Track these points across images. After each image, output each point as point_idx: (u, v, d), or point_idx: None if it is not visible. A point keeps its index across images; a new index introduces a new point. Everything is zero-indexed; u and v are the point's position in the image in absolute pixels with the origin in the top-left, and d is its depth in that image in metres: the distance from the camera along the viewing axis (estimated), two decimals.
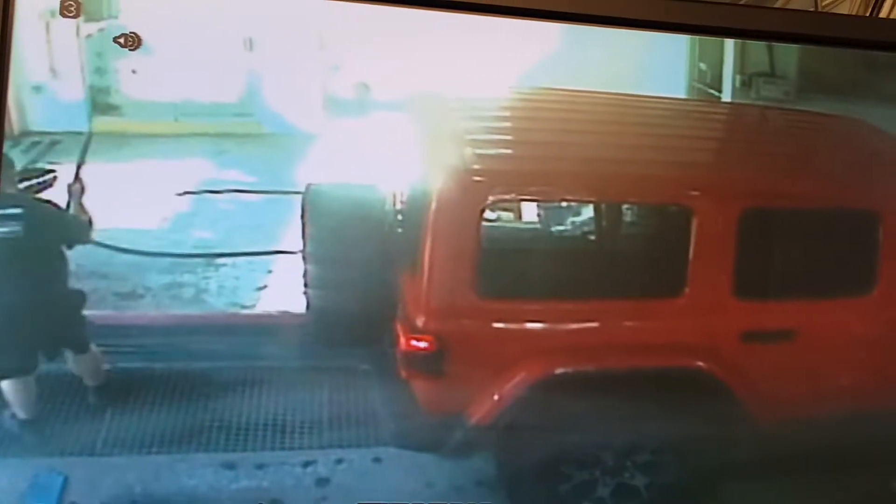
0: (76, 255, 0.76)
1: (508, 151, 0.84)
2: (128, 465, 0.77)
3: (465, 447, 0.82)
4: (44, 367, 0.76)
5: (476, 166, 0.81)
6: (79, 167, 0.75)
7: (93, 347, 0.77)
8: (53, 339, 0.77)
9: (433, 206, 0.79)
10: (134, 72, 0.76)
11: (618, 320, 0.83)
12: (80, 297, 0.76)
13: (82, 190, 0.74)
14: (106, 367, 0.77)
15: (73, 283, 0.76)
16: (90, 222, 0.74)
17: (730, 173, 0.86)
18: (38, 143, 0.75)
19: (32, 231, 0.74)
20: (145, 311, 0.78)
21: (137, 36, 0.75)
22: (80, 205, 0.74)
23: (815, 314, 0.87)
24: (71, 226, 0.75)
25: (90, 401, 0.77)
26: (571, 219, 0.84)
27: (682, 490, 0.85)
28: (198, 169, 0.78)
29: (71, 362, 0.77)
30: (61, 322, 0.77)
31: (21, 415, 0.75)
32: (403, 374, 0.81)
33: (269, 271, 0.80)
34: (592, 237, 0.85)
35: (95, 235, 0.75)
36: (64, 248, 0.75)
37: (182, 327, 0.79)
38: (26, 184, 0.74)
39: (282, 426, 0.79)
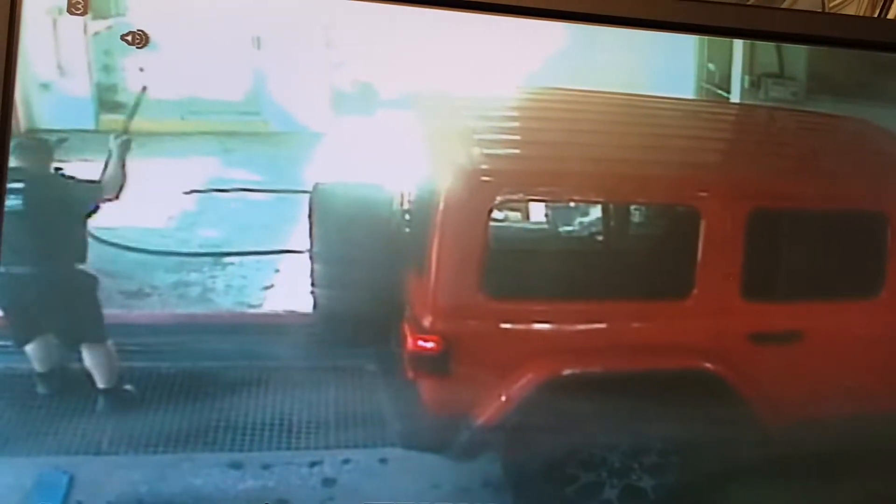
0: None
1: (516, 151, 0.84)
2: (133, 464, 0.76)
3: (471, 448, 0.82)
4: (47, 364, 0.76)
5: (484, 166, 0.81)
6: (129, 120, 0.75)
7: (109, 344, 0.76)
8: (56, 321, 0.77)
9: (441, 205, 0.79)
10: (141, 70, 0.75)
11: (625, 321, 0.83)
12: (89, 280, 0.75)
13: (128, 145, 0.74)
14: (118, 375, 0.77)
15: (84, 267, 0.75)
16: (123, 180, 0.74)
17: (738, 174, 0.86)
18: (44, 139, 0.75)
19: (34, 204, 0.74)
20: (152, 309, 0.77)
21: (145, 34, 0.75)
22: (122, 161, 0.74)
23: (824, 316, 0.87)
24: (80, 192, 0.74)
25: (99, 406, 0.76)
26: (579, 219, 0.84)
27: (690, 492, 0.85)
28: (205, 167, 0.77)
29: (85, 356, 0.76)
30: (65, 302, 0.77)
31: (38, 368, 0.75)
32: (410, 374, 0.80)
33: (277, 270, 0.79)
34: (600, 238, 0.84)
35: (121, 194, 0.75)
36: (78, 225, 0.74)
37: (188, 326, 0.79)
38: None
39: (288, 426, 0.79)
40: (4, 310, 0.75)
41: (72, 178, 0.75)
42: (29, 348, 0.75)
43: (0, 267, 0.74)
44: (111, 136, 0.75)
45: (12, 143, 0.73)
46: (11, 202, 0.73)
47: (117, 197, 0.75)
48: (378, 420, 0.80)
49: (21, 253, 0.75)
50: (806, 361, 0.86)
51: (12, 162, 0.73)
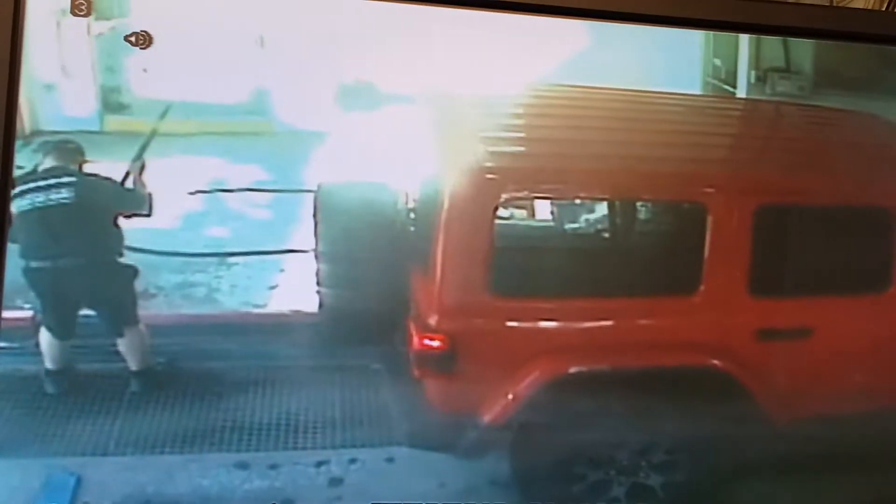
0: None
1: (522, 149, 0.84)
2: (140, 464, 0.77)
3: (478, 447, 0.81)
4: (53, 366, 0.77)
5: (489, 164, 0.81)
6: (144, 147, 0.75)
7: (141, 327, 0.77)
8: (98, 306, 0.78)
9: (446, 204, 0.79)
10: (145, 70, 0.75)
11: (632, 318, 0.83)
12: (129, 270, 0.76)
13: (142, 167, 0.75)
14: (158, 358, 0.77)
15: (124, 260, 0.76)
16: (148, 195, 0.76)
17: (744, 170, 0.86)
18: (48, 142, 0.75)
19: (83, 198, 0.76)
20: (157, 310, 0.77)
21: (148, 34, 0.75)
22: (140, 180, 0.76)
23: (831, 312, 0.86)
24: (123, 196, 0.76)
25: (132, 388, 0.77)
26: (585, 216, 0.84)
27: (698, 489, 0.85)
28: (209, 168, 0.77)
29: (122, 340, 0.77)
30: (107, 289, 0.77)
31: (49, 365, 0.76)
32: (416, 373, 0.80)
33: (282, 270, 0.79)
34: (606, 235, 0.84)
35: (151, 209, 0.76)
36: (116, 221, 0.76)
37: (194, 327, 0.79)
38: (34, 185, 0.75)
39: (294, 426, 0.79)
40: (53, 302, 0.76)
41: (117, 181, 0.76)
42: (46, 345, 0.76)
43: (47, 261, 0.75)
44: (130, 160, 0.75)
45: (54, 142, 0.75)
46: (62, 196, 0.75)
47: (149, 213, 0.76)
48: (384, 419, 0.80)
49: (72, 246, 0.76)
50: (815, 358, 0.86)
51: (56, 161, 0.75)
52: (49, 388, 0.76)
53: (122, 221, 0.76)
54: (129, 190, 0.76)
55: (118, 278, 0.76)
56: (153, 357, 0.77)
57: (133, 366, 0.77)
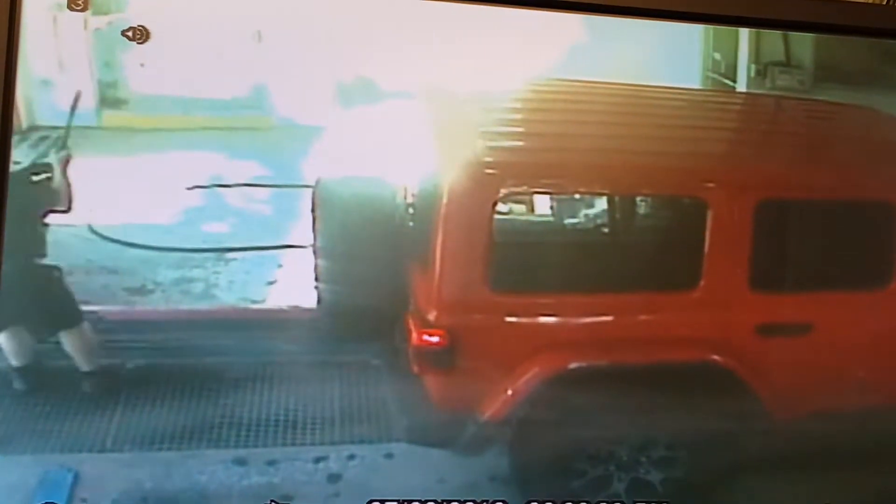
0: (85, 250, 0.76)
1: (521, 144, 0.84)
2: (138, 461, 0.76)
3: (477, 442, 0.81)
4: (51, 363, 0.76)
5: (488, 159, 0.80)
6: (66, 135, 0.74)
7: (84, 326, 0.76)
8: (25, 313, 0.76)
9: (445, 199, 0.79)
10: (142, 65, 0.75)
11: (632, 314, 0.82)
12: (52, 271, 0.75)
13: (68, 159, 0.74)
14: (102, 357, 0.77)
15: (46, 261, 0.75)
16: (67, 189, 0.74)
17: (745, 164, 0.85)
18: (45, 137, 0.75)
19: None
20: (155, 306, 0.77)
21: (145, 29, 0.75)
22: (64, 173, 0.74)
23: (832, 307, 0.86)
24: (37, 195, 0.74)
25: (84, 389, 0.76)
26: (585, 211, 0.84)
27: (698, 485, 0.85)
28: (207, 163, 0.77)
29: (63, 342, 0.76)
30: (32, 292, 0.76)
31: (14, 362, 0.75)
32: (415, 369, 0.80)
33: (280, 266, 0.79)
34: (606, 230, 0.84)
35: (70, 204, 0.74)
36: (35, 221, 0.74)
37: (192, 322, 0.79)
38: (35, 178, 0.74)
39: (293, 422, 0.78)
40: None
41: (29, 179, 0.74)
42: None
43: None
44: (52, 151, 0.74)
45: None
46: None
47: (69, 209, 0.74)
48: (383, 415, 0.80)
49: None
50: (815, 353, 0.86)
51: None
52: (17, 385, 0.75)
53: (94, 222, 0.75)
54: (44, 188, 0.74)
55: (41, 280, 0.75)
56: (104, 355, 0.76)
57: (83, 366, 0.76)
